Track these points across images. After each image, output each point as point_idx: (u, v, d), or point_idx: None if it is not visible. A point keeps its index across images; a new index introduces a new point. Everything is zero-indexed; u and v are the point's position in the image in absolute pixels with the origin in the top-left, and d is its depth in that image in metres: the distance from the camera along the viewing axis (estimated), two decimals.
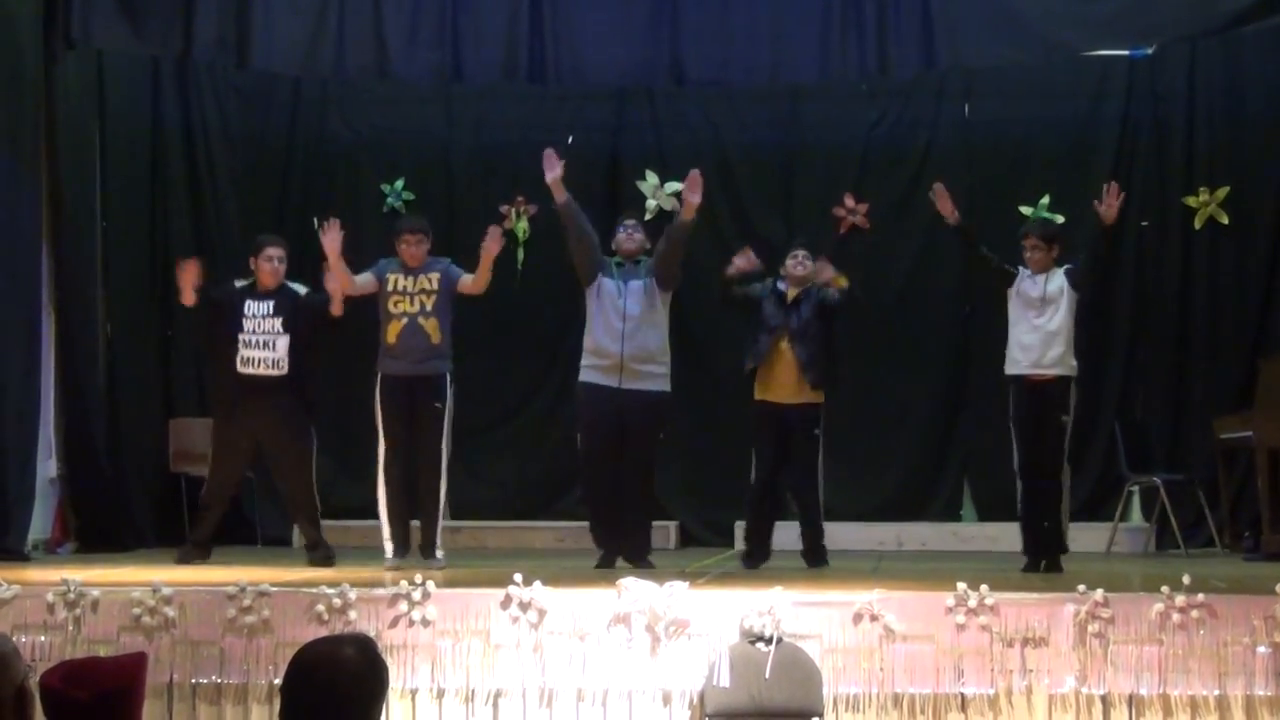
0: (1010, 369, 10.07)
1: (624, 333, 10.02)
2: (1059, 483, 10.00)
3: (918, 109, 13.28)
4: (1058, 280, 9.99)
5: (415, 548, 10.16)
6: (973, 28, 11.08)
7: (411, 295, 10.11)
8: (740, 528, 12.27)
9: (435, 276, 10.15)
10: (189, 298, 10.33)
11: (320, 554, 10.21)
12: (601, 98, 13.41)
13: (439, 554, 10.04)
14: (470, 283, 10.20)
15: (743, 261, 10.49)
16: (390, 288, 10.16)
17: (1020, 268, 10.09)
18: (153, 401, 12.94)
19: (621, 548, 10.07)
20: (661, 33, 11.31)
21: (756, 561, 10.41)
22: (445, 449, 10.15)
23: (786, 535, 10.77)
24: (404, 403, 10.12)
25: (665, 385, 10.16)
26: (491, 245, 10.12)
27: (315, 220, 13.39)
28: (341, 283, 10.18)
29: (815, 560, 10.40)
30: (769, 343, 10.40)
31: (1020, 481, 10.14)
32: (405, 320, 10.08)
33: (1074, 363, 10.01)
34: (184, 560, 10.11)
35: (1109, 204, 9.90)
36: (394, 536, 10.12)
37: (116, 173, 12.55)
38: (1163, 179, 12.98)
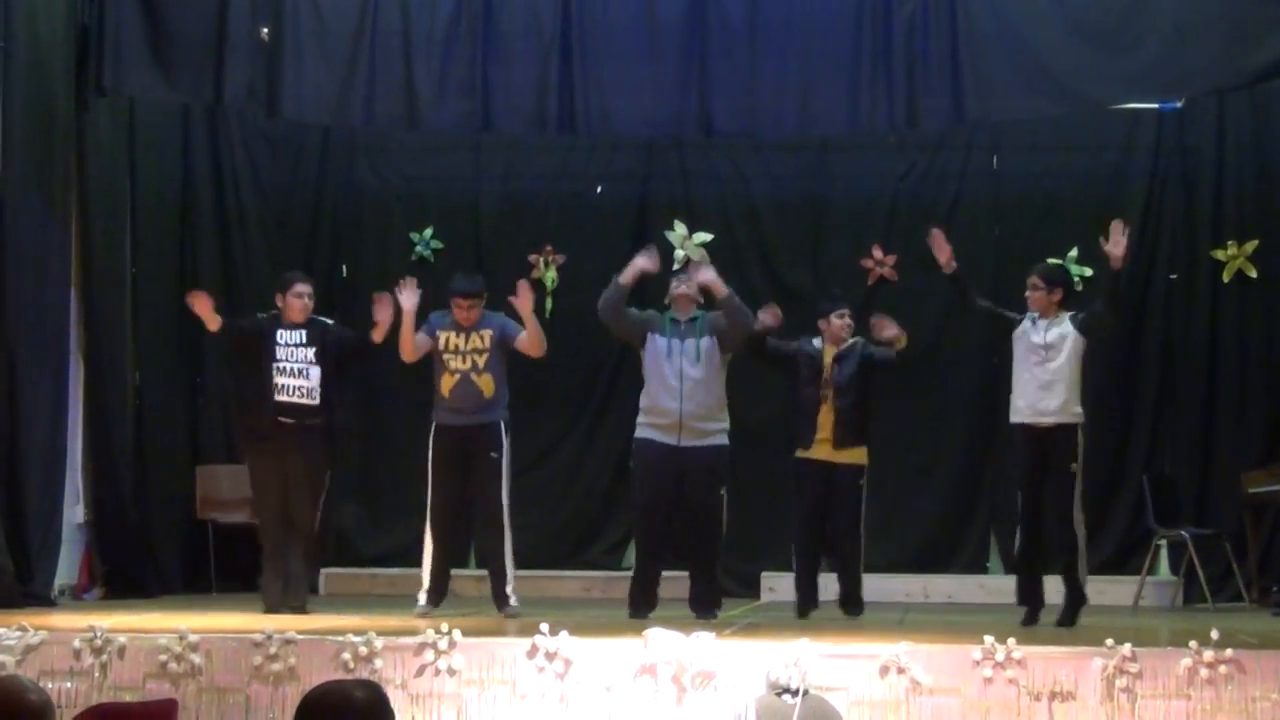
0: (1014, 417, 10.00)
1: (683, 392, 10.00)
2: (1073, 534, 9.87)
3: (946, 161, 13.28)
4: (1062, 326, 9.90)
5: (448, 598, 10.15)
6: (1001, 81, 11.09)
7: (464, 354, 10.09)
8: (767, 578, 12.28)
9: (488, 334, 10.11)
10: (214, 323, 10.31)
11: (300, 602, 10.14)
12: (630, 148, 13.44)
13: (513, 602, 10.02)
14: (524, 343, 10.17)
15: (769, 319, 10.52)
16: (443, 345, 10.13)
17: (1025, 315, 10.04)
18: (180, 448, 12.93)
19: (690, 602, 10.08)
20: (690, 84, 11.32)
21: (807, 611, 10.38)
22: (506, 499, 10.11)
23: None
24: (459, 453, 10.10)
25: (724, 440, 10.16)
26: (522, 301, 10.10)
27: (344, 269, 13.52)
28: (406, 350, 10.16)
29: (852, 609, 10.39)
30: (814, 422, 10.40)
31: (1020, 531, 10.08)
32: (458, 376, 10.08)
33: (1079, 410, 9.88)
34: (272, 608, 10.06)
35: (1115, 241, 9.78)
36: (431, 588, 10.07)
37: (146, 220, 12.58)
38: (1191, 232, 12.95)
